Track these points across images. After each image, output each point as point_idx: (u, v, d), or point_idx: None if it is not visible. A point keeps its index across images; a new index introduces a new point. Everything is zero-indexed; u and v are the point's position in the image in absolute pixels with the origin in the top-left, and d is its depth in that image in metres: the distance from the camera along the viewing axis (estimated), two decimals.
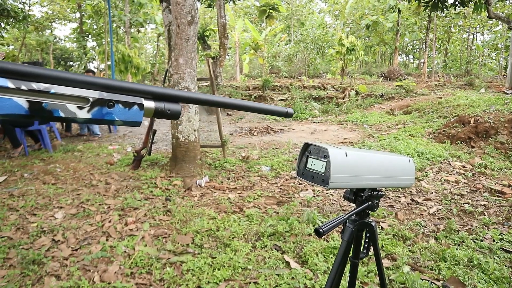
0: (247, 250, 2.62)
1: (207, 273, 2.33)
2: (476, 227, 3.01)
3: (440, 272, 2.29)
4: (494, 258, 2.46)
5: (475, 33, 24.62)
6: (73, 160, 5.24)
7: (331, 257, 2.50)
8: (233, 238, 2.81)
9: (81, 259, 2.57)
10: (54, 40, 22.15)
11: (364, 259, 1.91)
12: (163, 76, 5.01)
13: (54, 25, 24.20)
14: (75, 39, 22.55)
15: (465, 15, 17.39)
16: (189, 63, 4.43)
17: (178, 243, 2.75)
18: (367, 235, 1.07)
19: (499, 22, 17.40)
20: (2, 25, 11.60)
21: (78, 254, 2.66)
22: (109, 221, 3.17)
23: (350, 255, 1.09)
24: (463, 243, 2.69)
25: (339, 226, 0.97)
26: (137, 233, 2.94)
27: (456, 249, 2.56)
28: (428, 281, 2.18)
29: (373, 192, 0.99)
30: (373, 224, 1.05)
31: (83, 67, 18.78)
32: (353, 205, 1.05)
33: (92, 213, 3.36)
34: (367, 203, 0.99)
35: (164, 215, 3.32)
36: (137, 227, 3.07)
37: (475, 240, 2.73)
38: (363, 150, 0.97)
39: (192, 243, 2.75)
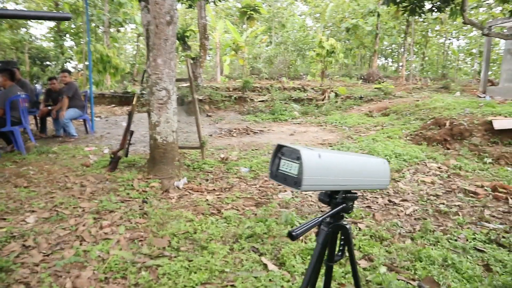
0: (225, 253, 2.59)
1: (184, 277, 2.29)
2: (450, 227, 3.07)
3: (416, 272, 2.31)
4: (467, 258, 2.51)
5: (451, 38, 25.31)
6: (47, 162, 5.08)
7: (309, 259, 2.49)
8: (210, 240, 2.78)
9: (52, 265, 2.48)
10: (30, 39, 21.53)
11: (341, 259, 1.91)
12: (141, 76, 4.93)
13: (30, 24, 23.53)
14: (52, 38, 21.98)
15: (442, 20, 17.86)
16: (167, 64, 4.36)
17: (154, 246, 2.70)
18: (342, 237, 1.06)
19: (474, 28, 17.96)
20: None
21: (50, 259, 2.57)
22: (84, 225, 3.08)
23: (325, 257, 1.08)
24: (438, 243, 2.73)
25: (315, 228, 0.96)
26: (112, 236, 2.87)
27: (432, 249, 2.60)
28: (404, 281, 2.21)
29: (347, 194, 0.99)
30: (348, 226, 1.04)
31: (60, 66, 18.30)
32: (329, 207, 1.04)
33: (65, 216, 3.26)
34: (342, 206, 0.99)
35: (140, 217, 3.25)
36: (112, 230, 2.99)
37: (449, 240, 2.78)
38: (337, 152, 0.96)
39: (168, 246, 2.70)
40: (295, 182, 0.86)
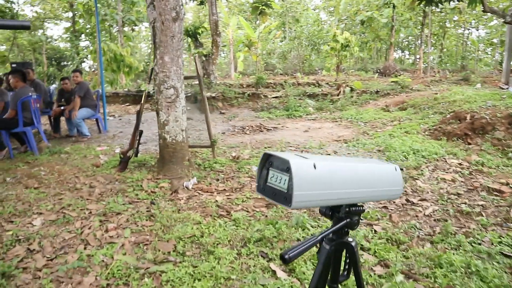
0: (232, 258, 2.47)
1: (188, 284, 2.18)
2: (473, 229, 2.87)
3: (436, 280, 2.15)
4: (493, 264, 2.32)
5: (470, 28, 24.48)
6: (58, 163, 5.07)
7: None
8: (217, 244, 2.67)
9: (55, 270, 2.42)
10: (47, 40, 21.87)
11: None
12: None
13: (46, 25, 23.92)
14: (68, 39, 22.27)
15: (460, 10, 17.24)
16: (175, 61, 4.26)
17: (159, 250, 2.60)
18: (347, 255, 0.92)
19: (494, 17, 17.30)
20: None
21: (53, 264, 2.51)
22: (89, 228, 3.01)
23: (329, 278, 0.94)
24: (460, 247, 2.55)
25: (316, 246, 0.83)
26: (117, 240, 2.79)
27: (453, 254, 2.42)
28: None
29: (352, 208, 0.85)
30: (353, 243, 0.90)
31: (75, 66, 18.52)
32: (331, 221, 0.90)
33: (72, 219, 3.20)
34: (345, 221, 0.85)
35: (147, 220, 3.16)
36: (117, 233, 2.91)
37: (472, 244, 2.59)
38: (338, 159, 0.83)
39: (174, 251, 2.60)
40: (285, 198, 0.73)
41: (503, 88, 10.13)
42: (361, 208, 0.87)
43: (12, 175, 4.56)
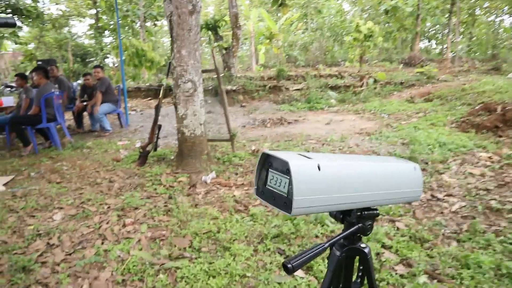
0: (248, 255, 2.42)
1: (202, 281, 2.15)
2: (504, 227, 2.69)
3: (462, 282, 2.02)
4: None
5: (502, 15, 23.38)
6: (80, 158, 5.16)
7: None
8: (234, 240, 2.62)
9: (73, 264, 2.44)
10: (72, 37, 22.35)
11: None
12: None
13: (71, 23, 24.43)
14: (92, 36, 22.70)
15: None
16: (192, 55, 4.22)
17: (175, 246, 2.58)
18: (360, 263, 0.84)
19: None
20: (17, 24, 11.67)
21: (71, 259, 2.53)
22: (107, 223, 3.03)
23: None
24: (490, 247, 2.39)
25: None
26: (134, 235, 2.79)
27: (482, 254, 2.27)
28: None
29: (364, 212, 0.76)
30: (367, 250, 0.82)
31: (99, 62, 18.87)
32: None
33: (91, 213, 3.23)
34: (357, 226, 0.76)
35: (164, 215, 3.15)
36: (135, 228, 2.91)
37: (503, 243, 2.42)
38: (348, 158, 0.74)
39: (189, 247, 2.57)
40: (285, 203, 0.65)
41: None
42: (375, 212, 0.79)
43: (36, 170, 4.66)
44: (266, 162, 0.72)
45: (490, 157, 4.38)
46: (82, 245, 2.71)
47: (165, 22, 24.46)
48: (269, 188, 0.70)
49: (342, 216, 0.79)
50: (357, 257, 0.84)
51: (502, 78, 10.15)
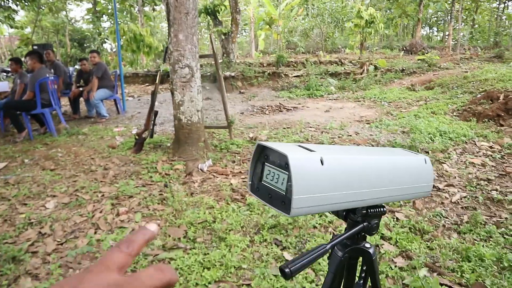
0: (244, 246, 2.36)
1: (197, 273, 2.09)
2: (505, 218, 2.64)
3: (463, 275, 1.97)
4: None
5: (506, 1, 23.05)
6: (75, 144, 5.07)
7: None
8: (229, 231, 2.56)
9: (64, 255, 2.38)
10: (70, 22, 22.02)
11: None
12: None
13: (69, 7, 24.04)
14: (90, 20, 22.36)
15: None
16: (189, 39, 4.10)
17: (169, 236, 2.52)
18: (364, 263, 0.77)
19: None
20: (12, 7, 11.44)
21: (63, 248, 2.47)
22: (101, 211, 2.96)
23: None
24: (491, 239, 2.34)
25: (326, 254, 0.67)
26: (128, 224, 2.73)
27: (483, 246, 2.22)
28: (449, 286, 1.88)
29: (370, 210, 0.69)
30: (371, 250, 0.75)
31: (96, 47, 18.61)
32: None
33: (84, 202, 3.16)
34: (361, 225, 0.69)
35: (159, 204, 3.08)
36: (129, 217, 2.85)
37: (504, 235, 2.37)
38: (354, 151, 0.66)
39: (184, 237, 2.51)
40: (283, 202, 0.57)
41: None
42: (382, 209, 0.71)
43: (30, 156, 4.58)
44: (262, 155, 0.64)
45: (491, 147, 4.32)
46: (74, 234, 2.65)
47: (163, 7, 24.11)
48: (265, 184, 0.62)
49: (345, 213, 0.72)
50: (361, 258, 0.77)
51: (504, 66, 10.02)
